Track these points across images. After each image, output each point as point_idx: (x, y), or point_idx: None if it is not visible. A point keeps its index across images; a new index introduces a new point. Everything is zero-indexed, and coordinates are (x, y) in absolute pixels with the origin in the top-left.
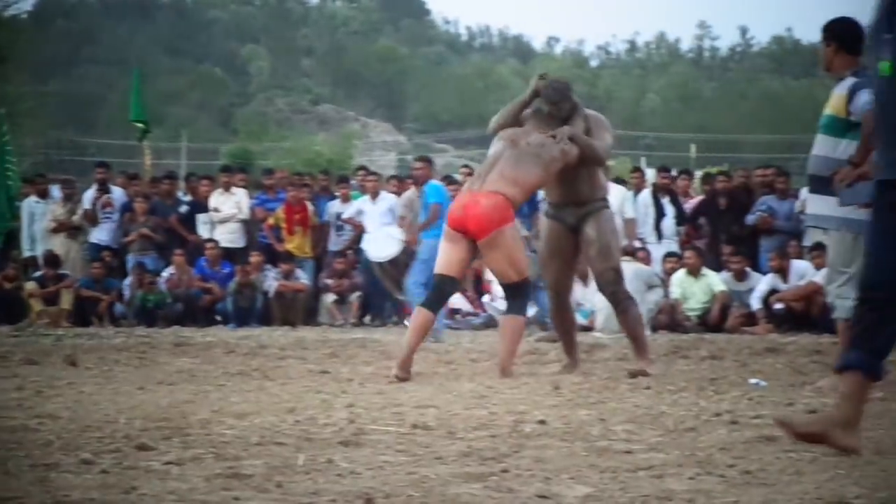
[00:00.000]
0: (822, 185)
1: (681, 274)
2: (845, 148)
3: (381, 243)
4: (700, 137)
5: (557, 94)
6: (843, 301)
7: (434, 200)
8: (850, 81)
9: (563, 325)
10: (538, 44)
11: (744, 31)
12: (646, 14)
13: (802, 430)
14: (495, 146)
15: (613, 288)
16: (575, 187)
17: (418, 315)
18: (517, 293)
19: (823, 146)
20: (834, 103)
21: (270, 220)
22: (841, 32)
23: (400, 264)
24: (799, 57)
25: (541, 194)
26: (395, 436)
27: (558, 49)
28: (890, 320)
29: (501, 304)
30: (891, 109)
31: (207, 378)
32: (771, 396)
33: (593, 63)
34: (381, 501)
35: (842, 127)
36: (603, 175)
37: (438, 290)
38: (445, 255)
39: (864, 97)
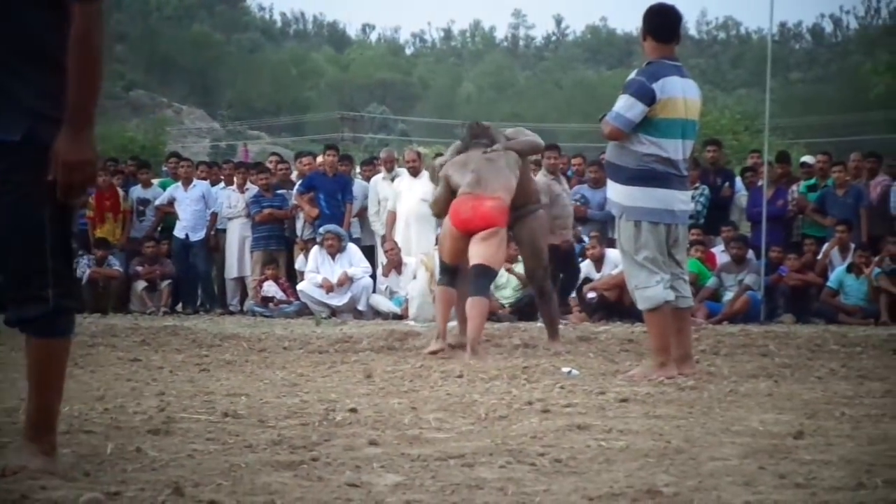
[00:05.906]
0: (612, 171)
1: None
2: (632, 139)
3: None
4: (514, 126)
5: (479, 129)
6: (642, 291)
7: None
8: (632, 74)
9: (450, 302)
10: (353, 31)
11: (559, 20)
12: (461, 2)
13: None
14: (456, 174)
15: (542, 283)
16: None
17: (442, 293)
18: (485, 275)
19: None
20: None
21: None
22: (649, 19)
23: None
24: (613, 47)
25: None
26: (205, 424)
27: (374, 36)
28: None
29: (315, 292)
30: None
31: (15, 366)
32: (583, 385)
33: (409, 51)
34: (189, 490)
35: None
36: (534, 181)
37: (452, 274)
38: (453, 247)
39: (621, 99)
